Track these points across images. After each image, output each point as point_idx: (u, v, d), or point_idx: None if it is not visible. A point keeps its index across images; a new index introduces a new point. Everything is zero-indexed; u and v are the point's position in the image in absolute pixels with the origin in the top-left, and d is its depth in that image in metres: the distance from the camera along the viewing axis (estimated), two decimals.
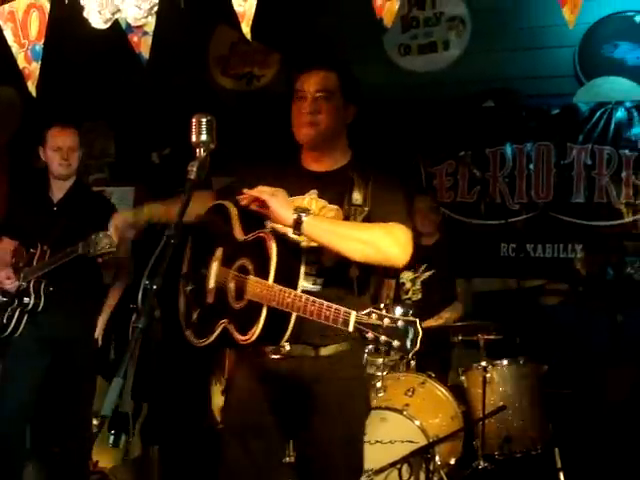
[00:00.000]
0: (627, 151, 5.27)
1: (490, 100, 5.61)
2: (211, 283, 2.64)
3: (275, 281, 2.41)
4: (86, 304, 4.14)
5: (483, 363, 4.27)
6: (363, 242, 2.46)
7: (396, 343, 2.05)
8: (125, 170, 6.25)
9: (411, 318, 2.07)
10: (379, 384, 4.15)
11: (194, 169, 2.25)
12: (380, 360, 4.32)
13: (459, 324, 4.66)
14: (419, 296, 5.08)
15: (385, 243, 2.46)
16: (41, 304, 3.96)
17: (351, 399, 2.70)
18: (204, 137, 2.30)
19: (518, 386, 4.32)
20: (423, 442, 3.90)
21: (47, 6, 2.59)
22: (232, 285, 2.56)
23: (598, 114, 5.35)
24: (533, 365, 4.42)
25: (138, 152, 6.15)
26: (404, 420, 3.96)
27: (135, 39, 2.50)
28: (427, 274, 5.09)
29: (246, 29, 2.17)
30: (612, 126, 5.32)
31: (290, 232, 2.49)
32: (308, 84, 2.66)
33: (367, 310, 2.13)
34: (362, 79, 5.62)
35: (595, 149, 5.35)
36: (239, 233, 2.62)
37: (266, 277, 2.43)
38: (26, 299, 3.95)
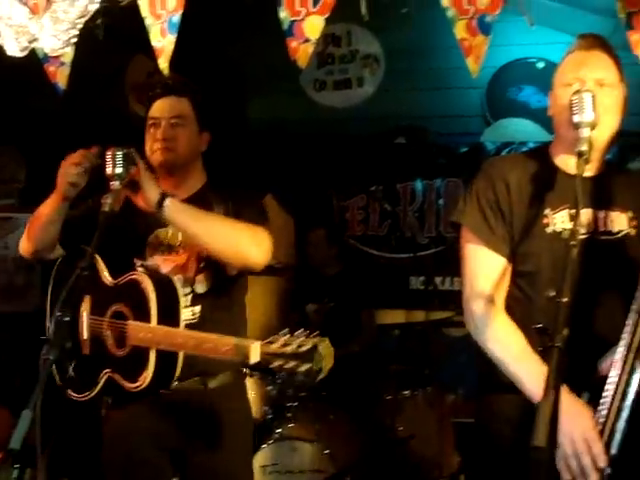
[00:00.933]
0: None
1: (402, 137, 5.76)
2: (84, 334, 2.56)
3: (158, 322, 2.39)
4: None
5: (391, 393, 4.37)
6: (224, 235, 2.47)
7: (303, 368, 1.98)
8: (35, 196, 6.13)
9: (316, 339, 2.01)
10: (289, 414, 4.20)
11: (108, 201, 2.28)
12: (290, 391, 4.37)
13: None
14: (323, 328, 5.11)
15: (245, 241, 2.47)
16: None
17: (237, 431, 2.71)
18: (119, 170, 2.33)
19: (426, 415, 4.43)
20: (332, 471, 3.95)
21: None
22: (109, 333, 2.51)
23: (504, 153, 5.53)
24: (440, 395, 4.54)
25: (49, 178, 6.05)
26: (314, 449, 4.00)
27: (52, 69, 2.52)
28: (330, 305, 5.16)
29: (164, 64, 2.22)
30: None
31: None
32: (162, 110, 2.65)
33: (270, 338, 2.06)
34: (277, 112, 5.83)
35: None
36: (107, 277, 2.59)
37: (147, 320, 2.40)
38: None
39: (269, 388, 4.26)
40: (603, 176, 2.27)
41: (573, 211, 2.07)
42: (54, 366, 2.54)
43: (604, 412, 1.97)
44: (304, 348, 2.00)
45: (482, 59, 2.08)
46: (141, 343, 2.40)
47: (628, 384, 1.96)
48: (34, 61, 2.68)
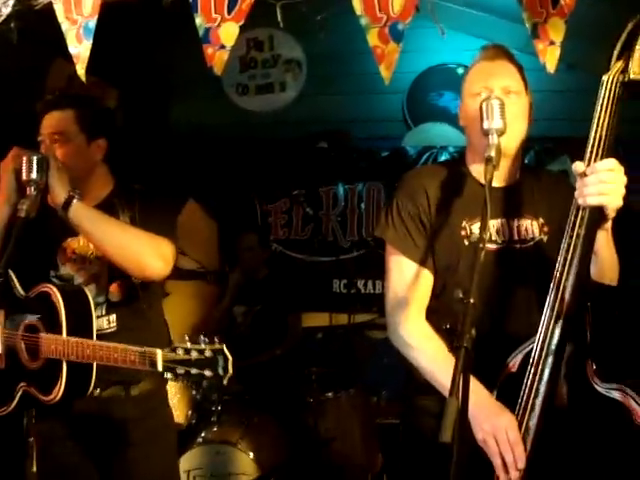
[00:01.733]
0: None
1: (324, 141, 5.81)
2: None
3: (69, 334, 2.40)
4: None
5: (314, 395, 4.41)
6: (126, 244, 2.46)
7: (208, 373, 2.04)
8: None
9: (217, 346, 2.06)
10: (214, 418, 4.21)
11: (24, 207, 2.26)
12: (215, 395, 4.38)
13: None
14: (249, 331, 5.17)
15: (147, 251, 2.48)
16: None
17: (160, 436, 2.74)
18: (34, 175, 2.32)
19: (349, 417, 4.48)
20: (257, 474, 3.96)
21: None
22: (22, 346, 2.50)
23: (425, 157, 5.65)
24: (363, 397, 4.61)
25: None
26: (239, 453, 4.01)
27: None
28: (257, 308, 5.20)
29: (81, 71, 2.21)
30: None
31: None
32: (46, 126, 2.62)
33: (172, 346, 2.11)
34: (200, 117, 5.81)
35: None
36: (19, 290, 2.56)
37: (59, 331, 2.40)
38: None
39: (193, 393, 4.25)
40: (516, 185, 2.35)
41: (491, 222, 2.18)
42: None
43: (519, 410, 2.06)
44: (207, 354, 2.05)
45: (394, 66, 2.13)
46: (53, 355, 2.40)
47: (540, 381, 2.04)
48: None
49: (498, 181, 2.28)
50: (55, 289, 2.45)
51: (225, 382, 2.04)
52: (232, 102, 5.95)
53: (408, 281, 2.30)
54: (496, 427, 2.04)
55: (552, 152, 5.40)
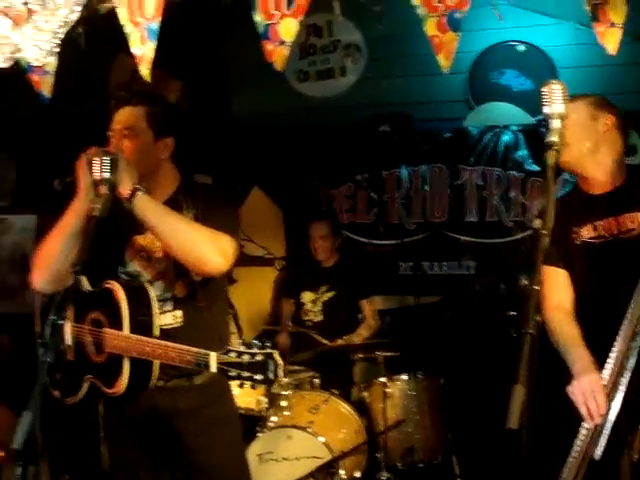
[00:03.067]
0: (514, 172, 5.54)
1: (386, 124, 5.76)
2: (68, 340, 2.63)
3: (131, 331, 2.48)
4: None
5: (383, 379, 4.45)
6: (187, 237, 2.51)
7: (259, 377, 2.12)
8: (27, 198, 6.19)
9: (268, 350, 2.15)
10: (284, 403, 4.28)
11: (97, 206, 2.34)
12: (285, 380, 4.45)
13: (358, 343, 4.82)
14: (320, 317, 5.22)
15: (208, 247, 2.52)
16: None
17: (229, 424, 2.82)
18: (107, 175, 2.39)
19: (417, 399, 4.51)
20: (328, 457, 4.02)
21: None
22: (89, 340, 2.59)
23: (487, 137, 5.60)
24: (431, 378, 4.62)
25: (40, 179, 6.08)
26: (309, 437, 4.07)
27: (36, 78, 2.57)
28: (328, 295, 5.24)
29: (145, 72, 2.27)
30: (500, 149, 5.58)
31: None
32: (116, 122, 2.68)
33: (226, 349, 2.19)
34: (262, 105, 5.86)
35: (485, 170, 5.61)
36: (86, 285, 2.64)
37: (121, 327, 2.49)
38: None
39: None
40: (622, 186, 2.66)
41: (596, 222, 2.64)
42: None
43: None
44: (258, 358, 2.13)
45: (453, 55, 2.14)
46: (115, 351, 2.49)
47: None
48: (19, 69, 2.73)
49: (602, 188, 2.68)
50: (118, 286, 2.53)
51: (275, 387, 2.14)
52: (293, 89, 5.94)
53: (552, 283, 2.71)
54: (581, 381, 2.45)
55: None
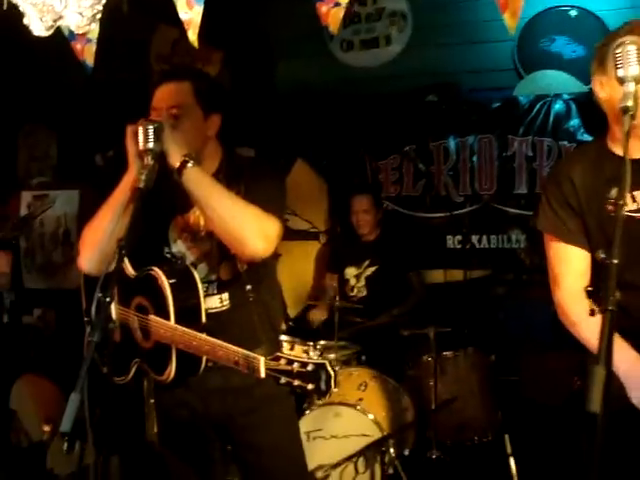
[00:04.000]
0: (566, 142, 5.35)
1: (433, 94, 5.64)
2: (114, 321, 2.52)
3: (177, 321, 2.38)
4: None
5: (432, 355, 4.34)
6: (233, 215, 2.37)
7: (310, 387, 1.99)
8: (69, 172, 6.16)
9: (320, 360, 2.02)
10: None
11: (142, 178, 2.24)
12: (332, 355, 4.37)
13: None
14: (364, 293, 5.14)
15: (250, 227, 2.38)
16: None
17: (280, 402, 2.68)
18: (151, 145, 2.29)
19: (468, 376, 4.41)
20: (377, 435, 3.94)
21: None
22: (136, 325, 2.52)
23: (537, 107, 5.41)
24: (481, 355, 4.52)
25: (81, 154, 6.06)
26: (358, 414, 4.00)
27: (78, 46, 2.48)
28: (371, 270, 5.16)
29: (193, 37, 2.17)
30: (551, 118, 5.39)
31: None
32: (161, 99, 2.53)
33: (276, 354, 2.06)
34: (305, 75, 5.77)
35: (535, 141, 5.42)
36: (129, 269, 2.56)
37: (166, 316, 2.39)
38: None
39: (311, 354, 4.23)
40: None
41: (635, 192, 2.28)
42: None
43: None
44: (309, 368, 2.01)
45: (519, 13, 2.00)
46: (162, 340, 2.41)
47: None
48: (60, 39, 2.64)
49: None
50: (161, 273, 2.43)
51: (327, 398, 2.02)
52: (337, 59, 5.86)
53: (569, 264, 2.45)
54: None
55: None
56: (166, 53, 6.19)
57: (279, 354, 2.08)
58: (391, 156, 5.72)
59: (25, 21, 2.49)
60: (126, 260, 2.53)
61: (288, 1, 5.59)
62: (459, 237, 5.55)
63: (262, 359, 2.09)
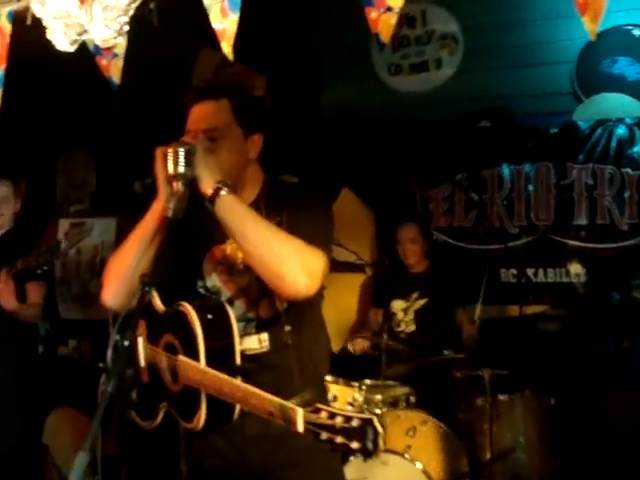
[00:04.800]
0: (629, 170, 5.06)
1: (486, 120, 5.41)
2: (141, 361, 2.34)
3: (208, 362, 2.13)
4: (11, 346, 4.16)
5: (487, 399, 4.04)
6: (270, 247, 2.10)
7: (355, 445, 1.74)
8: (107, 200, 6.01)
9: (366, 415, 1.76)
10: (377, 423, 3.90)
11: (171, 206, 2.00)
12: (379, 396, 4.10)
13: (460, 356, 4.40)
14: (412, 327, 4.88)
15: (292, 262, 2.11)
16: None
17: (325, 453, 2.37)
18: (181, 169, 2.05)
19: (525, 421, 4.10)
20: None
21: (8, 27, 2.35)
22: (164, 366, 2.28)
23: (598, 132, 5.13)
24: (540, 398, 4.20)
25: (120, 181, 5.89)
26: (406, 463, 3.73)
27: (104, 62, 2.25)
28: (420, 303, 4.91)
29: (227, 48, 1.93)
30: (613, 144, 5.11)
31: None
32: (196, 120, 2.28)
33: (314, 407, 1.83)
34: (351, 100, 5.57)
35: (596, 168, 5.14)
36: (158, 303, 2.33)
37: (196, 357, 2.15)
38: None
39: (356, 395, 3.96)
40: None
41: None
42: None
43: None
44: (354, 423, 1.75)
45: (601, 17, 1.73)
46: (191, 383, 2.16)
47: None
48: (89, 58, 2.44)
49: None
50: (191, 309, 2.18)
51: (373, 457, 1.75)
52: (385, 83, 5.67)
53: None
54: None
55: None
56: (209, 79, 6.04)
57: (320, 406, 1.83)
58: (442, 185, 5.47)
59: (48, 35, 2.29)
60: (155, 294, 2.31)
61: (334, 23, 5.43)
62: (513, 270, 5.26)
63: (300, 411, 1.84)
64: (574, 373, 4.79)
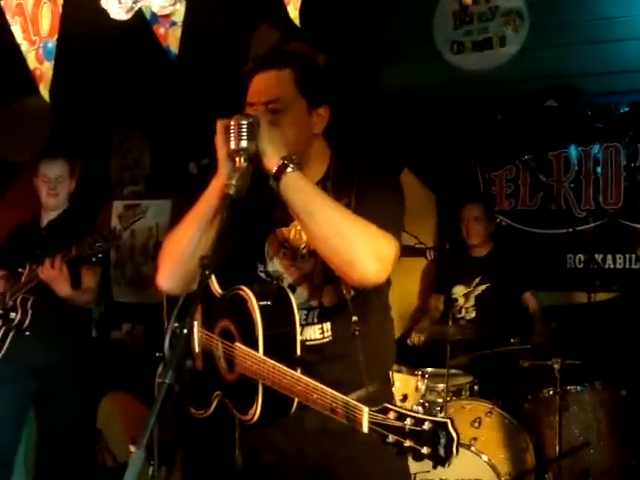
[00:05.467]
0: None
1: (552, 99, 5.19)
2: (196, 347, 2.23)
3: (266, 352, 2.00)
4: (67, 331, 4.16)
5: (556, 390, 3.86)
6: (339, 230, 1.93)
7: (426, 450, 1.61)
8: (161, 182, 5.92)
9: (440, 419, 1.63)
10: (442, 414, 3.76)
11: (233, 182, 1.86)
12: (441, 385, 3.95)
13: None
14: (473, 314, 4.73)
15: (362, 247, 1.94)
16: (27, 320, 3.94)
17: (379, 449, 2.27)
18: (244, 144, 1.90)
19: (596, 414, 3.92)
20: None
21: None
22: (220, 353, 2.16)
23: None
24: (611, 390, 4.01)
25: (175, 162, 5.81)
26: (472, 456, 3.60)
27: (161, 31, 2.13)
28: (481, 288, 4.76)
29: (294, 13, 1.80)
30: None
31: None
32: (257, 92, 2.11)
33: (381, 406, 1.70)
34: (412, 79, 5.41)
35: None
36: (216, 286, 2.20)
37: (254, 345, 2.02)
38: (12, 314, 3.95)
39: (419, 384, 3.80)
40: None
41: None
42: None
43: None
44: (425, 426, 1.62)
45: None
46: (247, 373, 2.04)
47: None
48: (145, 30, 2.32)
49: None
50: (252, 295, 2.05)
51: (447, 465, 1.61)
52: (447, 61, 5.44)
53: None
54: None
55: None
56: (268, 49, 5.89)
57: (388, 406, 1.70)
58: (506, 167, 5.29)
59: (102, 3, 2.17)
60: (213, 277, 2.19)
61: (396, 1, 5.25)
62: (580, 256, 5.05)
63: (366, 411, 1.71)
64: None
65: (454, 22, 5.46)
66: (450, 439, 1.60)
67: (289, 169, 1.93)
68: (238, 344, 2.08)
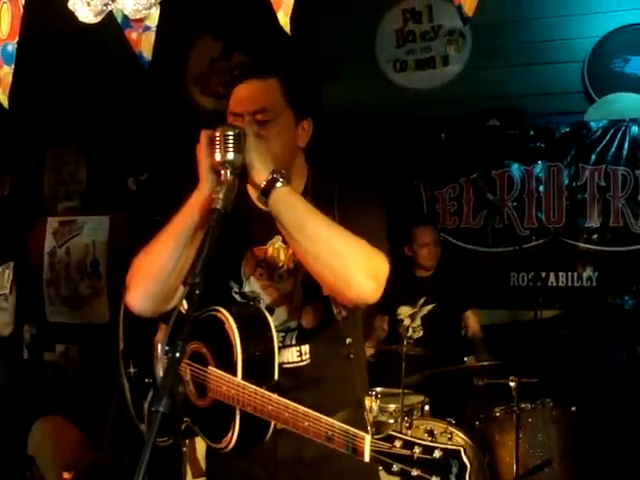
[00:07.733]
0: None
1: (494, 119, 5.25)
2: (160, 371, 2.07)
3: (245, 377, 1.88)
4: None
5: (512, 408, 3.83)
6: (334, 248, 1.82)
7: (435, 479, 1.54)
8: (98, 197, 5.74)
9: (452, 446, 1.57)
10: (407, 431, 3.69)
11: (219, 196, 1.75)
12: (392, 405, 3.89)
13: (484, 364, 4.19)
14: (420, 334, 4.66)
15: (358, 264, 1.83)
16: None
17: (362, 477, 2.09)
18: (231, 156, 1.79)
19: (548, 432, 3.89)
20: None
21: None
22: (188, 377, 2.02)
23: (611, 132, 5.01)
24: (561, 407, 4.00)
25: (112, 178, 5.64)
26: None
27: (134, 36, 2.02)
28: (427, 308, 4.69)
29: (284, 19, 1.72)
30: (626, 145, 4.98)
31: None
32: (242, 102, 2.01)
33: (386, 434, 1.61)
34: (355, 97, 5.37)
35: (609, 170, 5.01)
36: (184, 306, 2.09)
37: (231, 369, 1.91)
38: None
39: (373, 405, 3.72)
40: None
41: None
42: (129, 398, 2.18)
43: None
44: (436, 455, 1.55)
45: None
46: (224, 399, 1.91)
47: None
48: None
49: None
50: (230, 317, 1.94)
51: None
52: (389, 79, 5.51)
53: None
54: None
55: None
56: (203, 73, 5.75)
57: (393, 433, 1.61)
58: (449, 185, 5.30)
59: (69, 5, 2.05)
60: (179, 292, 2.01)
61: (337, 17, 5.22)
62: (524, 274, 5.09)
63: (368, 438, 1.61)
64: (590, 379, 4.64)
65: (397, 40, 5.49)
66: (463, 467, 1.53)
67: (279, 183, 1.82)
68: (212, 368, 1.96)
